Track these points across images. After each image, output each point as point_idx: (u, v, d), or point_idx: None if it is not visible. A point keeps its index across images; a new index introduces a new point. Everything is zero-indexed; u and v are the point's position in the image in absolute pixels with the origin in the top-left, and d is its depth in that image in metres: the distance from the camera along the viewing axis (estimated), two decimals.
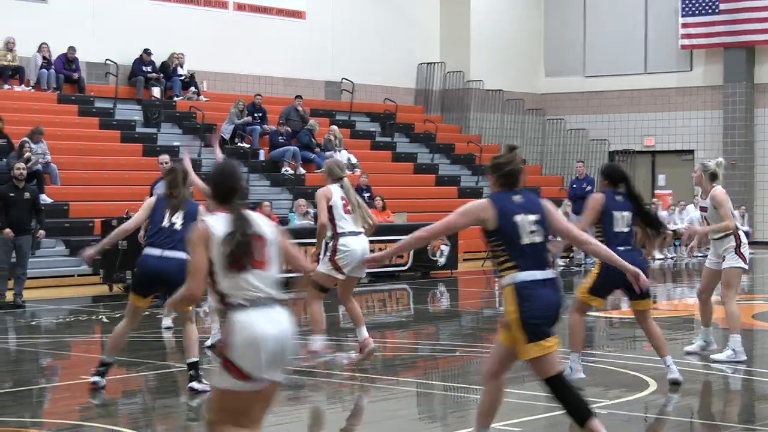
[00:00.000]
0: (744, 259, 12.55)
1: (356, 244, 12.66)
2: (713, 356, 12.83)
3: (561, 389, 7.70)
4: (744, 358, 12.58)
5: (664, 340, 11.49)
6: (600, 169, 10.47)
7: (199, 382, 11.33)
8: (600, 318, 18.24)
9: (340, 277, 12.72)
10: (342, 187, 12.88)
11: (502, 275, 7.80)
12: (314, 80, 33.69)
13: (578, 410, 7.69)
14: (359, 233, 12.80)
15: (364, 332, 12.72)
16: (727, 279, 12.66)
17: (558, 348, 7.76)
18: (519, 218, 7.69)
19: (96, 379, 11.37)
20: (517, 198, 7.83)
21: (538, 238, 7.75)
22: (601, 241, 9.75)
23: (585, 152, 36.12)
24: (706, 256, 14.02)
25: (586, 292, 11.43)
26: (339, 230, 12.75)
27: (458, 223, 8.21)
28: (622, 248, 10.59)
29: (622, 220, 10.99)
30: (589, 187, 28.48)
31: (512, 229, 7.74)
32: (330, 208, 12.70)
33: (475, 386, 11.76)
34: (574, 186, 28.51)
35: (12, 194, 18.59)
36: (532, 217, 7.75)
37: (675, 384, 11.04)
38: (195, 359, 11.52)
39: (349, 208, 12.73)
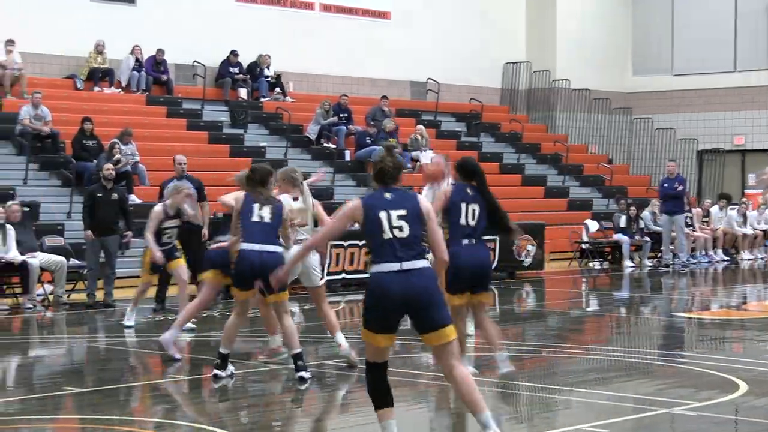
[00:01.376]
0: None
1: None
2: None
3: (376, 375, 8.08)
4: None
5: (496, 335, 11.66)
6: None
7: (306, 370, 11.59)
8: (691, 319, 18.00)
9: None
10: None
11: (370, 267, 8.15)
12: (399, 80, 33.79)
13: (380, 398, 8.10)
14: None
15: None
16: None
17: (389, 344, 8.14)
18: (383, 214, 7.91)
19: (217, 372, 11.69)
20: (387, 195, 8.07)
21: (402, 233, 7.89)
22: (446, 233, 9.62)
23: (673, 152, 35.89)
24: None
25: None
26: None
27: (337, 225, 8.57)
28: (465, 241, 10.86)
29: (471, 214, 10.96)
30: (680, 187, 28.13)
31: (374, 224, 7.96)
32: None
33: (561, 386, 11.74)
34: (665, 185, 28.19)
35: (100, 195, 18.64)
36: (400, 212, 7.94)
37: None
38: (299, 350, 11.72)
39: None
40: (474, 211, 11.09)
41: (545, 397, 11.42)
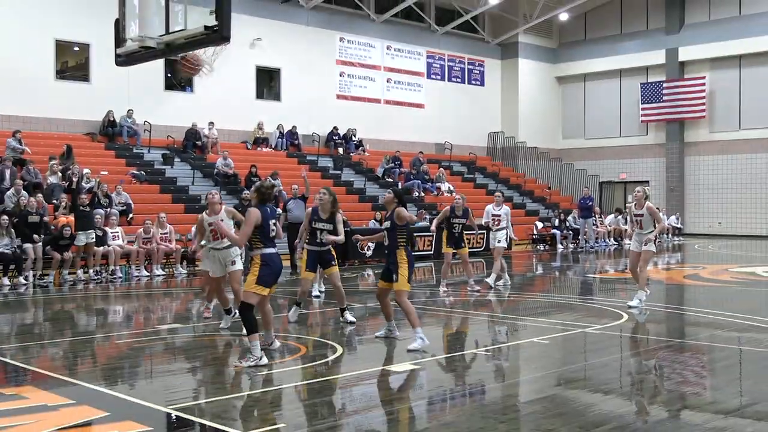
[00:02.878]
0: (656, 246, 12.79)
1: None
2: (629, 303, 12.32)
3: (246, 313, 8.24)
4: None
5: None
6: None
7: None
8: (596, 278, 17.98)
9: None
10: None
11: (254, 250, 8.45)
12: (429, 143, 33.91)
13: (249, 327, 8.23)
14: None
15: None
16: (645, 257, 12.50)
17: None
18: (272, 221, 8.48)
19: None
20: (267, 209, 8.51)
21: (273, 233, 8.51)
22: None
23: (585, 182, 35.92)
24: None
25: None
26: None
27: (250, 226, 8.32)
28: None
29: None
30: (590, 202, 28.57)
31: (266, 225, 8.39)
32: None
33: (522, 316, 11.86)
34: (582, 201, 28.62)
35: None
36: (273, 220, 8.49)
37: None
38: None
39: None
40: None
41: (512, 323, 11.47)
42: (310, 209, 11.43)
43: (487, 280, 15.40)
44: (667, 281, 17.21)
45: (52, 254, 17.01)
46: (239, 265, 10.51)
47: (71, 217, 18.06)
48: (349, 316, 11.01)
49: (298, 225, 16.87)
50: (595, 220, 29.28)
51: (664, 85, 35.03)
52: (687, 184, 35.06)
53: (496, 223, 15.78)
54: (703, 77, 34.31)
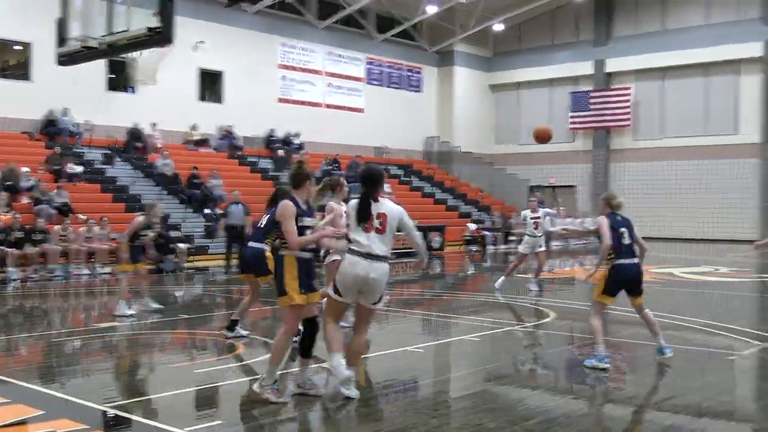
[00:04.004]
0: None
1: None
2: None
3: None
4: None
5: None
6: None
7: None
8: (523, 277, 18.12)
9: None
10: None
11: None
12: (368, 146, 33.85)
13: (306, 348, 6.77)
14: None
15: None
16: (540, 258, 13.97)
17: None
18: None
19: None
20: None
21: (260, 225, 7.59)
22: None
23: (516, 187, 36.36)
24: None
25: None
26: None
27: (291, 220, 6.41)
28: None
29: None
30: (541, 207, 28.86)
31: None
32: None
33: (451, 314, 11.91)
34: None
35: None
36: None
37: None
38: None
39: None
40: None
41: (444, 321, 11.52)
42: None
43: (531, 286, 14.65)
44: (592, 281, 17.43)
45: None
46: None
47: (9, 216, 17.61)
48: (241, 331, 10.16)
49: (237, 227, 17.42)
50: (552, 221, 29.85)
51: (592, 94, 35.65)
52: (612, 189, 35.68)
53: (535, 227, 14.87)
54: (629, 88, 35.02)
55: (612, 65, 35.46)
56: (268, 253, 8.64)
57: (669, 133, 34.25)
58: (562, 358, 8.90)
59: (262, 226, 8.94)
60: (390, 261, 6.46)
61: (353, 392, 6.52)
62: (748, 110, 32.33)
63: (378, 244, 6.33)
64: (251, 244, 9.04)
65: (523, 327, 10.65)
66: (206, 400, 6.87)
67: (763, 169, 31.73)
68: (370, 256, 6.29)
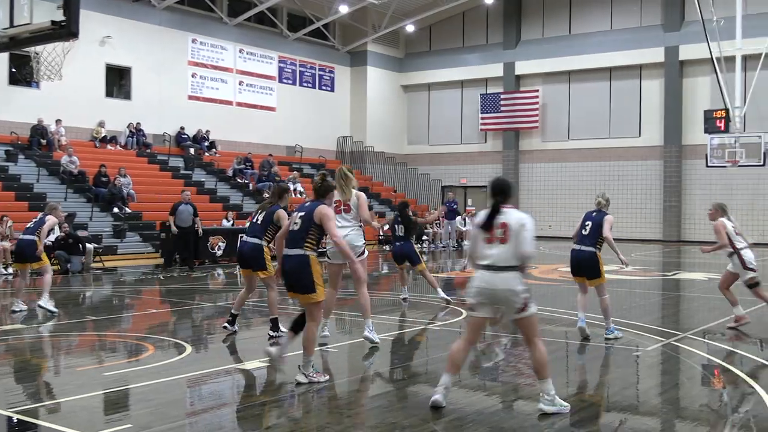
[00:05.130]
0: None
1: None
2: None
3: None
4: None
5: None
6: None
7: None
8: (443, 276, 18.26)
9: None
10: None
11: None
12: (280, 145, 33.73)
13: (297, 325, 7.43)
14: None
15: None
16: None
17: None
18: (295, 213, 7.34)
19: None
20: (307, 203, 7.40)
21: (296, 228, 7.23)
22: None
23: (429, 186, 36.76)
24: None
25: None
26: None
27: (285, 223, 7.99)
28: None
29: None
30: (455, 205, 30.23)
31: (291, 219, 7.42)
32: None
33: (373, 314, 11.90)
34: (447, 204, 30.11)
35: None
36: (300, 214, 7.25)
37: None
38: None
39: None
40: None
41: (358, 320, 11.47)
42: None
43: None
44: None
45: None
46: None
47: None
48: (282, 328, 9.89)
49: (187, 228, 17.65)
50: (464, 221, 30.74)
51: (502, 96, 36.29)
52: (521, 189, 36.39)
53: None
54: (537, 90, 35.80)
55: (521, 68, 36.17)
56: (266, 248, 9.35)
57: (575, 135, 35.16)
58: (473, 356, 9.01)
59: (259, 222, 9.40)
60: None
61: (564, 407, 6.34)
62: (650, 114, 33.46)
63: (501, 255, 6.19)
64: (248, 239, 9.44)
65: (436, 325, 10.73)
66: (115, 404, 6.71)
67: (665, 170, 32.89)
68: (492, 267, 6.18)
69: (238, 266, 10.44)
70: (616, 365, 8.47)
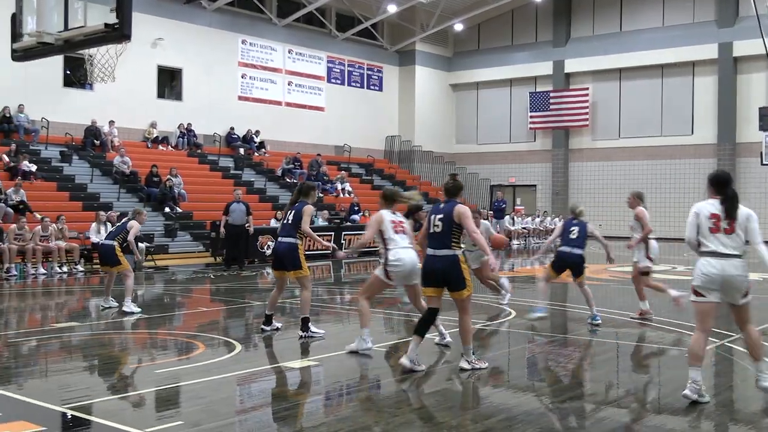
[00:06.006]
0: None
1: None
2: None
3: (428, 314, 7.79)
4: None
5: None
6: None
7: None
8: None
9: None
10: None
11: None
12: (329, 145, 33.88)
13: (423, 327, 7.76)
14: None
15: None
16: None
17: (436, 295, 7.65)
18: (431, 216, 7.63)
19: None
20: (441, 205, 7.70)
21: (438, 229, 7.57)
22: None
23: (478, 186, 36.59)
24: None
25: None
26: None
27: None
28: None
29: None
30: (503, 205, 30.28)
31: (429, 221, 7.70)
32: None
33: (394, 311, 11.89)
34: (495, 204, 30.23)
35: None
36: (438, 216, 7.59)
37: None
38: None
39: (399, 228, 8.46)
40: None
41: (408, 319, 11.34)
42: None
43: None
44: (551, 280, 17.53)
45: None
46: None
47: None
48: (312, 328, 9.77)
49: (239, 227, 17.83)
50: (512, 220, 30.93)
51: (551, 94, 35.97)
52: (571, 188, 36.09)
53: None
54: (587, 88, 35.41)
55: (571, 66, 35.81)
56: (301, 247, 9.43)
57: (626, 134, 34.70)
58: (523, 356, 8.94)
59: (290, 222, 9.46)
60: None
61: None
62: (703, 111, 32.88)
63: (731, 243, 6.44)
64: (283, 239, 9.43)
65: (485, 325, 10.67)
66: (166, 401, 6.80)
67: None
68: (724, 255, 6.42)
69: (271, 266, 10.29)
70: (668, 366, 8.33)
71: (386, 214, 8.44)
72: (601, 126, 35.39)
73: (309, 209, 9.52)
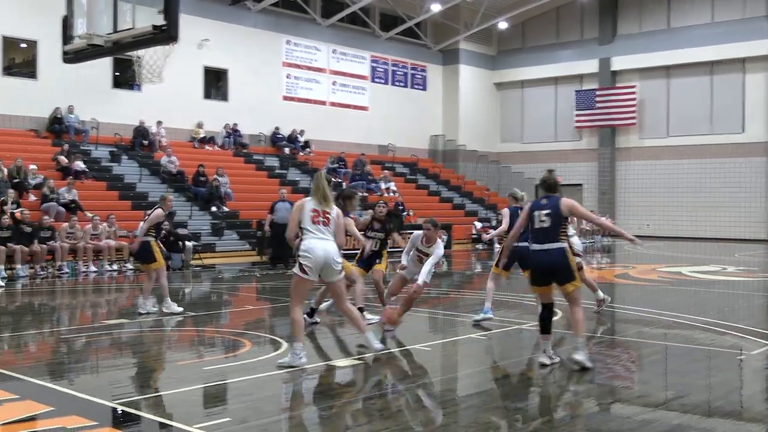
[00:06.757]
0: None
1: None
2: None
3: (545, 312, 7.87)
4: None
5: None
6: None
7: None
8: None
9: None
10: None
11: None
12: (373, 144, 33.96)
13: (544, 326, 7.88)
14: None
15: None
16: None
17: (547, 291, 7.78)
18: (536, 212, 7.74)
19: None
20: (543, 200, 7.85)
21: (545, 224, 7.66)
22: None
23: (522, 185, 36.24)
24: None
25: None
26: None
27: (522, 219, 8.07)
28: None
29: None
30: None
31: (529, 218, 7.84)
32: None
33: (464, 313, 11.86)
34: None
35: None
36: (544, 211, 7.73)
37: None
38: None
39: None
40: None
41: (451, 319, 11.32)
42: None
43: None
44: (598, 280, 17.36)
45: None
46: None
47: (17, 213, 17.64)
48: (367, 315, 10.01)
49: (284, 226, 17.79)
50: None
51: (597, 92, 35.60)
52: (618, 187, 35.69)
53: None
54: (634, 86, 34.97)
55: (617, 63, 35.40)
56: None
57: (674, 132, 34.20)
58: (567, 357, 8.87)
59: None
60: None
61: None
62: (755, 108, 32.26)
63: None
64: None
65: (530, 325, 10.58)
66: (214, 398, 6.87)
67: None
68: None
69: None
70: (719, 369, 8.19)
71: (308, 203, 7.90)
72: (648, 124, 34.93)
73: (348, 221, 9.52)
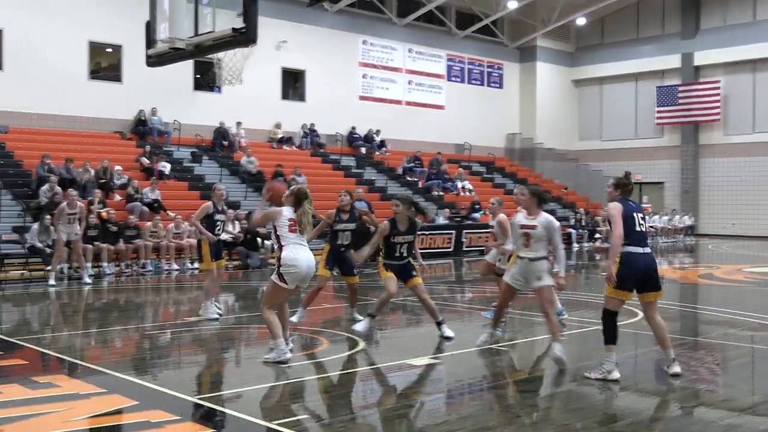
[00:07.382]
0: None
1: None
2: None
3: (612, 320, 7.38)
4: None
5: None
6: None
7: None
8: None
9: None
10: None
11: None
12: (449, 143, 33.86)
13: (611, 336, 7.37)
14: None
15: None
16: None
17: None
18: (635, 214, 7.17)
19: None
20: (632, 203, 7.31)
21: (643, 228, 7.22)
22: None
23: (602, 183, 35.66)
24: None
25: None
26: None
27: (618, 223, 7.06)
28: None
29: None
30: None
31: (630, 220, 7.12)
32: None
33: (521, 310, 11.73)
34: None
35: None
36: (640, 215, 7.26)
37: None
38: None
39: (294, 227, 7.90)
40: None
41: (529, 319, 11.13)
42: (386, 222, 9.82)
43: None
44: (681, 280, 17.02)
45: (86, 248, 16.99)
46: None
47: (104, 212, 18.21)
48: (446, 331, 9.32)
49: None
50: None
51: (680, 88, 34.74)
52: (701, 185, 34.76)
53: None
54: (718, 81, 34.01)
55: (700, 58, 34.50)
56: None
57: (761, 128, 33.12)
58: (649, 359, 8.68)
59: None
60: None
61: None
62: None
63: None
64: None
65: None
66: (292, 395, 6.96)
67: None
68: None
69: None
70: None
71: (286, 211, 7.88)
72: (733, 120, 33.92)
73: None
